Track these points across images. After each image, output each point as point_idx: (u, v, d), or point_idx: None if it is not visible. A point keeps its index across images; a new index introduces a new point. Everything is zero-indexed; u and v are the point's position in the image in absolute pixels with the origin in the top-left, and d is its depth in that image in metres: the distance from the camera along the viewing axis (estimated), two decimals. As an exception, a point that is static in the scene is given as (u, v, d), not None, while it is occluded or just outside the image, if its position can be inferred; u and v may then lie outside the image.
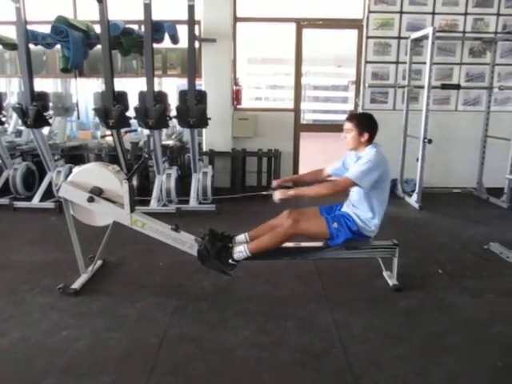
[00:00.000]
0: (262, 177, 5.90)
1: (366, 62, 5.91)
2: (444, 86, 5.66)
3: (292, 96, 6.30)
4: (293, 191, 2.81)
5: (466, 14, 5.76)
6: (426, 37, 5.21)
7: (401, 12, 5.75)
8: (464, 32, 5.79)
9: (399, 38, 5.82)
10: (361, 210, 2.83)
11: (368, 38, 5.84)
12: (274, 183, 3.10)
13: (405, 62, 5.76)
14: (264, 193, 3.23)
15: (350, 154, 2.96)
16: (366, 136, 2.80)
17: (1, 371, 2.14)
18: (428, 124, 5.09)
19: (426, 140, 5.08)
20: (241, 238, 3.01)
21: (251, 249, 2.79)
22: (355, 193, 2.86)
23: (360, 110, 6.03)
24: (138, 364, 2.20)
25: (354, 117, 2.89)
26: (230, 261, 2.80)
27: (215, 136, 5.82)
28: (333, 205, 3.08)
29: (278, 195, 2.78)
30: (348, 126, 2.84)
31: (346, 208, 2.95)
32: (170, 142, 5.88)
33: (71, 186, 2.84)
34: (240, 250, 2.80)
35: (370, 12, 5.76)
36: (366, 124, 2.82)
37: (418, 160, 5.25)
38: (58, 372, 2.13)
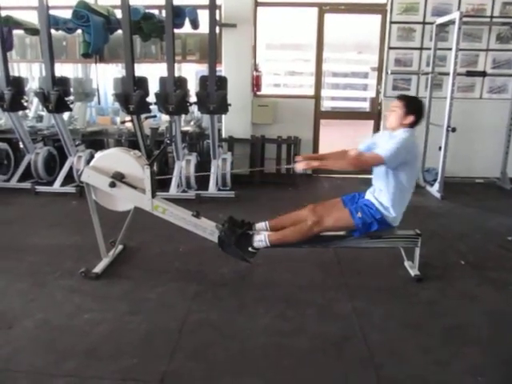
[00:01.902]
0: (281, 164, 5.86)
1: (389, 48, 5.78)
2: (469, 73, 5.52)
3: (310, 83, 6.21)
4: (317, 162, 2.78)
5: (494, -3, 5.58)
6: (452, 22, 5.07)
7: (426, -4, 5.60)
8: (492, 17, 5.60)
9: (424, 23, 5.67)
10: (384, 195, 2.77)
11: (392, 23, 5.70)
12: (299, 158, 3.02)
13: (429, 48, 5.62)
14: (288, 166, 3.20)
15: (382, 134, 2.91)
16: (410, 118, 2.74)
17: (24, 352, 2.18)
18: (452, 112, 4.98)
19: (449, 128, 4.98)
20: (261, 225, 2.99)
21: (272, 240, 2.78)
22: (381, 176, 2.79)
23: (382, 97, 5.93)
24: (158, 348, 2.22)
25: (406, 97, 2.84)
26: (250, 248, 2.80)
27: (234, 122, 5.79)
28: (355, 193, 3.03)
29: (301, 165, 2.75)
30: (396, 104, 2.78)
31: (368, 195, 2.91)
32: (189, 128, 5.87)
33: (93, 171, 2.86)
34: (260, 239, 2.79)
35: (394, -4, 5.62)
36: (414, 107, 2.76)
37: (440, 149, 5.15)
38: (80, 354, 2.16)
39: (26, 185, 5.08)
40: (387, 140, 2.77)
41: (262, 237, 2.80)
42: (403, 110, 2.74)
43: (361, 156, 2.79)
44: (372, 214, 2.76)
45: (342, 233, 2.91)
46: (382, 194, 2.79)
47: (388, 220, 2.79)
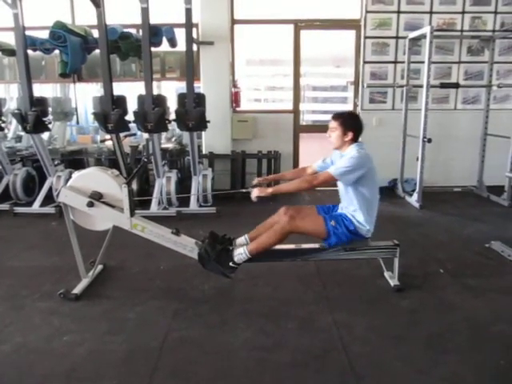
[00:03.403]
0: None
1: (365, 62, 5.90)
2: (443, 85, 5.65)
3: (290, 97, 6.30)
4: (271, 188, 2.81)
5: (463, 12, 5.74)
6: (423, 36, 5.21)
7: (398, 12, 5.74)
8: (462, 30, 5.77)
9: (397, 37, 5.81)
10: (353, 208, 2.83)
11: (366, 38, 5.83)
12: (255, 181, 3.06)
13: (403, 62, 5.75)
14: (243, 190, 3.23)
15: (336, 153, 2.96)
16: (349, 135, 2.79)
17: (2, 377, 2.13)
18: (427, 123, 5.08)
19: (425, 139, 5.07)
20: (241, 240, 3.00)
21: (250, 250, 2.78)
22: (343, 193, 2.89)
23: (359, 110, 6.03)
24: (139, 368, 2.20)
25: (339, 116, 2.87)
26: (231, 263, 2.79)
27: (215, 138, 5.82)
28: (330, 205, 3.08)
29: (255, 193, 2.77)
30: (333, 124, 2.84)
31: (341, 210, 2.96)
32: (170, 146, 5.89)
33: (71, 191, 2.84)
34: (240, 252, 2.79)
35: (367, 12, 5.75)
36: (350, 123, 2.82)
37: (418, 159, 5.24)
38: (60, 377, 2.13)
39: (5, 206, 5.01)
40: (339, 158, 2.85)
41: (241, 250, 2.80)
42: (341, 129, 2.80)
43: (314, 176, 2.86)
44: (346, 225, 2.81)
45: (318, 245, 2.93)
46: (350, 206, 2.85)
47: (361, 232, 2.84)
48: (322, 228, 2.80)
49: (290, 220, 2.75)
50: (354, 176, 2.72)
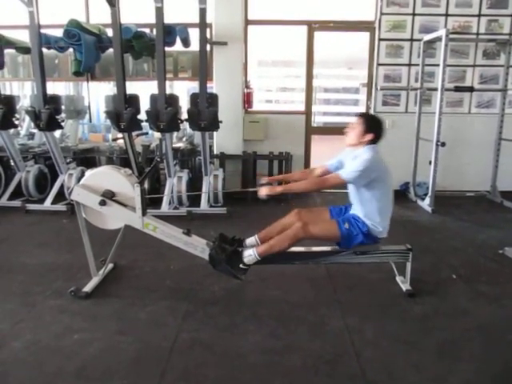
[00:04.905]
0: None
1: (378, 65, 5.86)
2: (457, 89, 5.59)
3: (302, 99, 6.27)
4: (280, 187, 2.80)
5: (479, 15, 5.68)
6: (439, 39, 5.16)
7: (413, 14, 5.69)
8: (478, 34, 5.71)
9: (412, 40, 5.76)
10: (365, 210, 2.80)
11: (380, 40, 5.79)
12: (263, 180, 3.04)
13: (417, 65, 5.71)
14: (251, 189, 3.22)
15: (348, 152, 2.93)
16: (369, 136, 2.77)
17: (12, 375, 2.14)
18: (441, 127, 5.04)
19: (439, 143, 5.03)
20: (251, 240, 2.99)
21: (260, 252, 2.77)
22: (354, 194, 2.85)
23: (372, 113, 5.99)
24: (149, 368, 2.19)
25: (364, 115, 2.90)
26: (241, 265, 2.78)
27: (226, 139, 5.81)
28: (342, 207, 3.06)
29: (264, 191, 2.77)
30: (356, 121, 2.83)
31: (353, 210, 2.93)
32: (181, 145, 5.89)
33: (83, 189, 2.85)
34: (249, 254, 2.78)
35: (382, 14, 5.72)
36: (372, 126, 2.80)
37: (430, 163, 5.19)
38: (70, 376, 2.12)
39: (17, 203, 5.05)
40: (351, 160, 2.81)
41: (250, 251, 2.79)
42: (362, 128, 2.78)
43: (323, 178, 2.84)
44: (359, 226, 2.79)
45: (330, 248, 2.92)
46: (363, 207, 2.82)
47: (374, 233, 2.81)
48: (335, 232, 2.78)
49: (303, 226, 2.73)
50: (365, 180, 2.70)
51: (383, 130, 2.83)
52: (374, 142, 2.80)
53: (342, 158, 2.99)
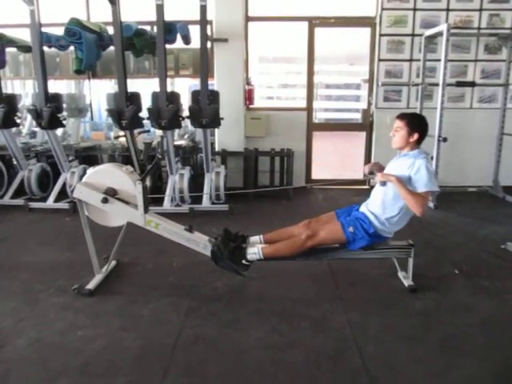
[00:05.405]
0: (275, 176, 5.88)
1: (379, 60, 5.85)
2: (459, 84, 5.58)
3: (304, 95, 6.26)
4: (393, 177, 2.69)
5: (481, 9, 5.66)
6: (440, 34, 5.14)
7: (414, 9, 5.68)
8: (479, 28, 5.69)
9: (413, 35, 5.74)
10: (383, 212, 2.78)
11: (381, 35, 5.78)
12: (366, 169, 2.98)
13: (419, 60, 5.69)
14: (358, 179, 3.14)
15: (394, 159, 2.90)
16: (415, 136, 2.75)
17: (16, 371, 2.15)
18: (443, 122, 5.02)
19: (440, 138, 5.02)
20: (255, 239, 3.01)
21: (266, 253, 2.79)
22: (383, 196, 2.79)
23: (373, 109, 5.98)
24: (152, 365, 2.20)
25: (406, 116, 2.83)
26: (244, 261, 2.80)
27: (228, 136, 5.81)
28: (351, 206, 3.06)
29: (379, 177, 2.74)
30: (398, 124, 2.79)
31: (362, 208, 2.93)
32: (183, 142, 5.89)
33: (85, 187, 2.86)
34: (254, 252, 2.79)
35: (382, 9, 5.70)
36: (416, 124, 2.78)
37: (432, 158, 5.17)
38: (73, 372, 2.14)
39: (20, 201, 5.06)
40: (407, 169, 2.72)
41: (255, 249, 2.80)
42: (406, 129, 2.75)
43: (421, 196, 2.65)
44: (365, 228, 2.77)
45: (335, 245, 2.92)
46: (388, 207, 2.77)
47: (382, 234, 2.81)
48: (340, 236, 2.79)
49: (311, 236, 2.76)
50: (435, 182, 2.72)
51: (427, 125, 2.81)
52: (420, 140, 2.78)
53: (391, 168, 2.87)
